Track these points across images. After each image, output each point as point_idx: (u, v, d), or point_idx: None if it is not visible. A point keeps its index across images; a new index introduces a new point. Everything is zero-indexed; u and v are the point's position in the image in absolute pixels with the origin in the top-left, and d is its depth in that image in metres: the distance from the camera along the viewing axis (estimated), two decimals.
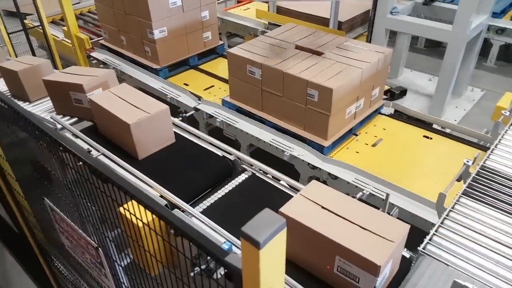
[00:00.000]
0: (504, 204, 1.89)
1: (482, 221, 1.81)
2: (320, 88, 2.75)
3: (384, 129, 3.26)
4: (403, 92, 4.50)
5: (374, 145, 3.07)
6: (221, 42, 4.44)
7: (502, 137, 2.33)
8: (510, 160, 2.16)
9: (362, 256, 1.37)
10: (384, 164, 2.85)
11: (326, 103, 2.77)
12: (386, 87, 4.56)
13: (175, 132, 2.44)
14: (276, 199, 1.64)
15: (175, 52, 4.05)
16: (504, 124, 2.52)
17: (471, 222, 1.81)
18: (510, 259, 1.63)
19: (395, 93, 4.40)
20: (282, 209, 1.61)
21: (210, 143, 2.41)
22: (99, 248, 1.67)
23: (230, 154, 2.30)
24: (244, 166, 2.26)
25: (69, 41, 4.76)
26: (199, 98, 3.55)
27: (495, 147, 2.26)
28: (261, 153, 3.05)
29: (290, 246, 1.64)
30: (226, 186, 2.12)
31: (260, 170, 2.22)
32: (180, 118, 2.81)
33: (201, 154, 2.31)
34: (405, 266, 1.61)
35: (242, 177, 2.17)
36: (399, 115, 3.44)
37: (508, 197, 1.93)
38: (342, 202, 1.63)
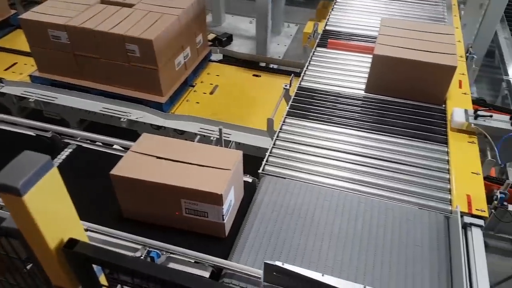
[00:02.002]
0: (320, 115, 2.14)
1: (306, 134, 2.02)
2: (139, 41, 2.56)
3: (218, 75, 3.31)
4: (229, 38, 4.62)
5: (211, 93, 3.11)
6: (14, 12, 3.79)
7: (310, 58, 2.60)
8: (319, 77, 2.44)
9: (203, 191, 1.37)
10: (224, 108, 2.92)
11: (149, 56, 2.61)
12: (213, 35, 4.62)
13: None
14: (111, 164, 1.49)
15: None
16: (310, 47, 2.82)
17: (297, 137, 2.00)
18: (334, 159, 1.87)
19: (222, 40, 4.48)
20: (113, 171, 1.47)
21: (16, 124, 2.02)
22: None
23: (46, 131, 1.98)
24: (66, 140, 1.98)
25: None
26: (1, 80, 2.95)
27: (307, 68, 2.52)
28: (97, 127, 2.74)
29: (133, 206, 1.56)
30: None
31: (87, 140, 1.99)
32: None
33: (3, 140, 1.91)
34: (251, 190, 1.69)
35: (66, 152, 1.91)
36: (228, 60, 3.53)
37: (322, 108, 2.19)
38: (176, 147, 1.58)
